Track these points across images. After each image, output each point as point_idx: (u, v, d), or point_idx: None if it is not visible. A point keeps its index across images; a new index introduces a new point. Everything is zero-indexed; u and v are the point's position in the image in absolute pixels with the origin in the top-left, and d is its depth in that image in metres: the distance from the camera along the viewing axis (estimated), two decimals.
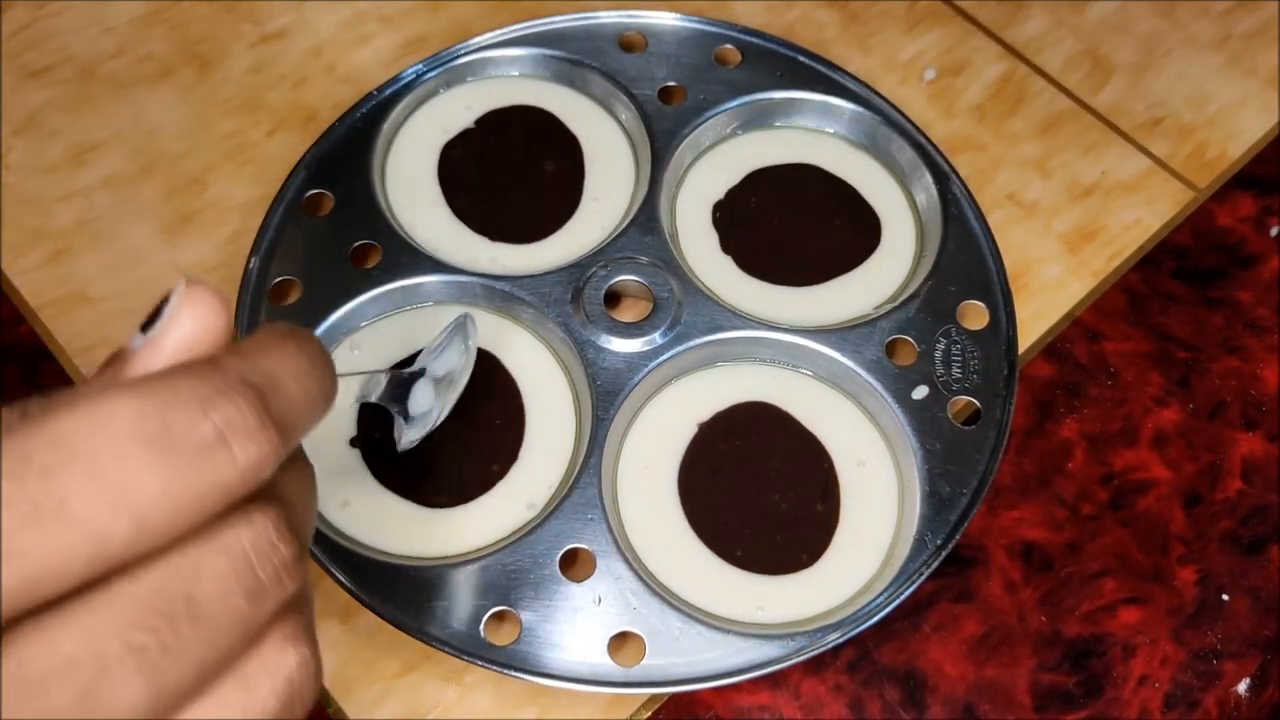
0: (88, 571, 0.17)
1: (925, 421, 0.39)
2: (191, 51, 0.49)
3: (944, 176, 0.44)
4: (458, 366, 0.36)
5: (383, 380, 0.34)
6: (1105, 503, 0.41)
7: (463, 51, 0.46)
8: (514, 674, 0.35)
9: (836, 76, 0.46)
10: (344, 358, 0.41)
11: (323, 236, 0.42)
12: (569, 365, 0.41)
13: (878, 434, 0.40)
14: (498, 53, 0.47)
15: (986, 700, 0.37)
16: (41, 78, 0.48)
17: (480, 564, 0.36)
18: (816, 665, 0.38)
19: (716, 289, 0.42)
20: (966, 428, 0.39)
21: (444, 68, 0.46)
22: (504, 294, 0.41)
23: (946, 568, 0.38)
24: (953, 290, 0.42)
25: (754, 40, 0.47)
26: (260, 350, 0.20)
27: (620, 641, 0.36)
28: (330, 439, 0.39)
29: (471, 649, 0.35)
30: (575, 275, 0.41)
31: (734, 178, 0.45)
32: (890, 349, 0.41)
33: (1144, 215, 0.47)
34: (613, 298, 0.42)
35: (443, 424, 0.36)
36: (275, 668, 0.20)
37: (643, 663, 0.35)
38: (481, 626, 0.35)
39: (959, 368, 0.40)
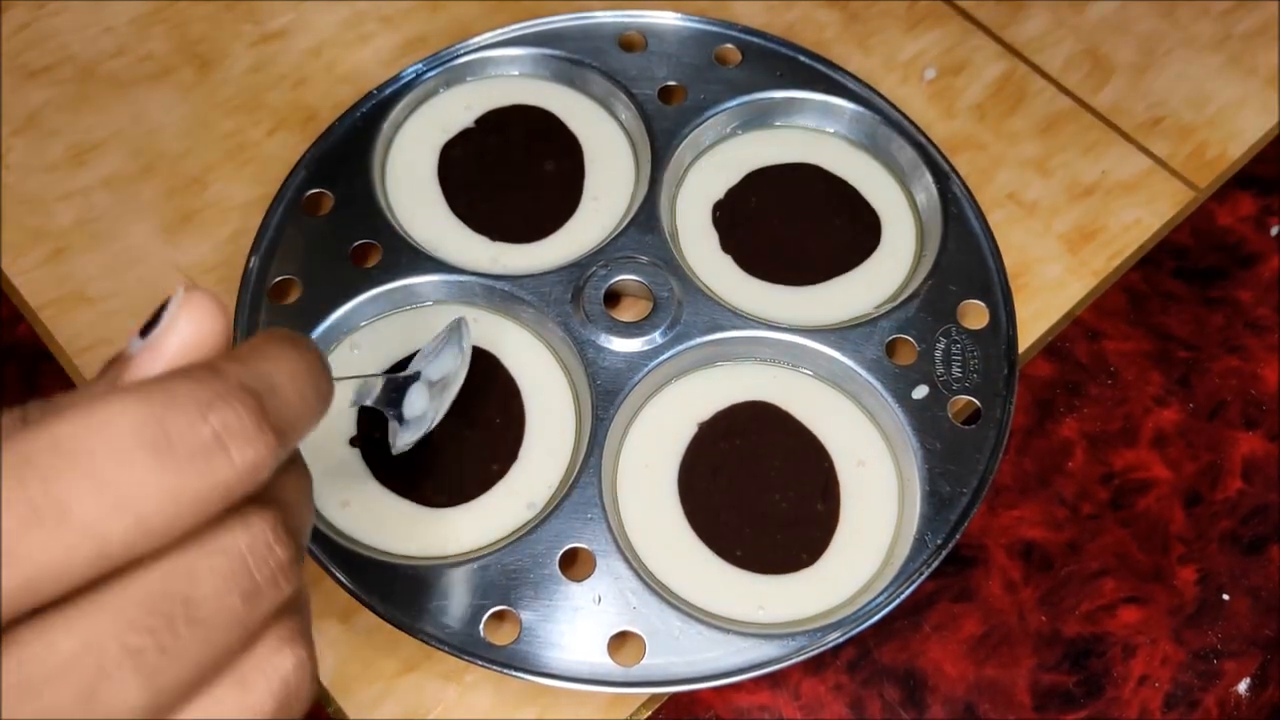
0: (87, 573, 0.17)
1: (925, 421, 0.39)
2: (191, 51, 0.49)
3: (944, 176, 0.44)
4: (452, 370, 0.36)
5: (378, 384, 0.34)
6: (1105, 502, 0.41)
7: (463, 51, 0.46)
8: (514, 674, 0.35)
9: (837, 76, 0.46)
10: (344, 357, 0.41)
11: (323, 236, 0.42)
12: (569, 365, 0.41)
13: (878, 433, 0.40)
14: (498, 52, 0.47)
15: (987, 700, 0.37)
16: (41, 77, 0.48)
17: (480, 564, 0.36)
18: (816, 665, 0.38)
19: (716, 288, 0.42)
20: (966, 427, 0.39)
21: (444, 67, 0.46)
22: (504, 293, 0.41)
23: (946, 567, 0.38)
24: (953, 290, 0.42)
25: (754, 40, 0.47)
26: (258, 355, 0.20)
27: (620, 641, 0.36)
28: (330, 439, 0.39)
29: (471, 649, 0.35)
30: (575, 275, 0.41)
31: (734, 177, 0.45)
32: (890, 348, 0.41)
33: (1144, 215, 0.47)
34: (613, 297, 0.42)
35: (442, 424, 0.36)
36: (271, 669, 0.20)
37: (643, 662, 0.35)
38: (481, 626, 0.35)
39: (959, 367, 0.40)
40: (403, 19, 0.51)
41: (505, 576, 0.36)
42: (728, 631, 0.35)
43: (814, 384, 0.41)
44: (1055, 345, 0.44)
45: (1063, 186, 0.47)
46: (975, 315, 0.42)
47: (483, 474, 0.39)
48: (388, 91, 0.45)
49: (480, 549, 0.37)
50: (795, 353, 0.41)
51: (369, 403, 0.35)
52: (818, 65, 0.47)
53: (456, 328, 0.37)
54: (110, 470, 0.17)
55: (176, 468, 0.18)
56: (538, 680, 0.35)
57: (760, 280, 0.43)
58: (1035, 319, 0.44)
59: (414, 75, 0.46)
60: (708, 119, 0.45)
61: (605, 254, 0.42)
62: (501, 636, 0.35)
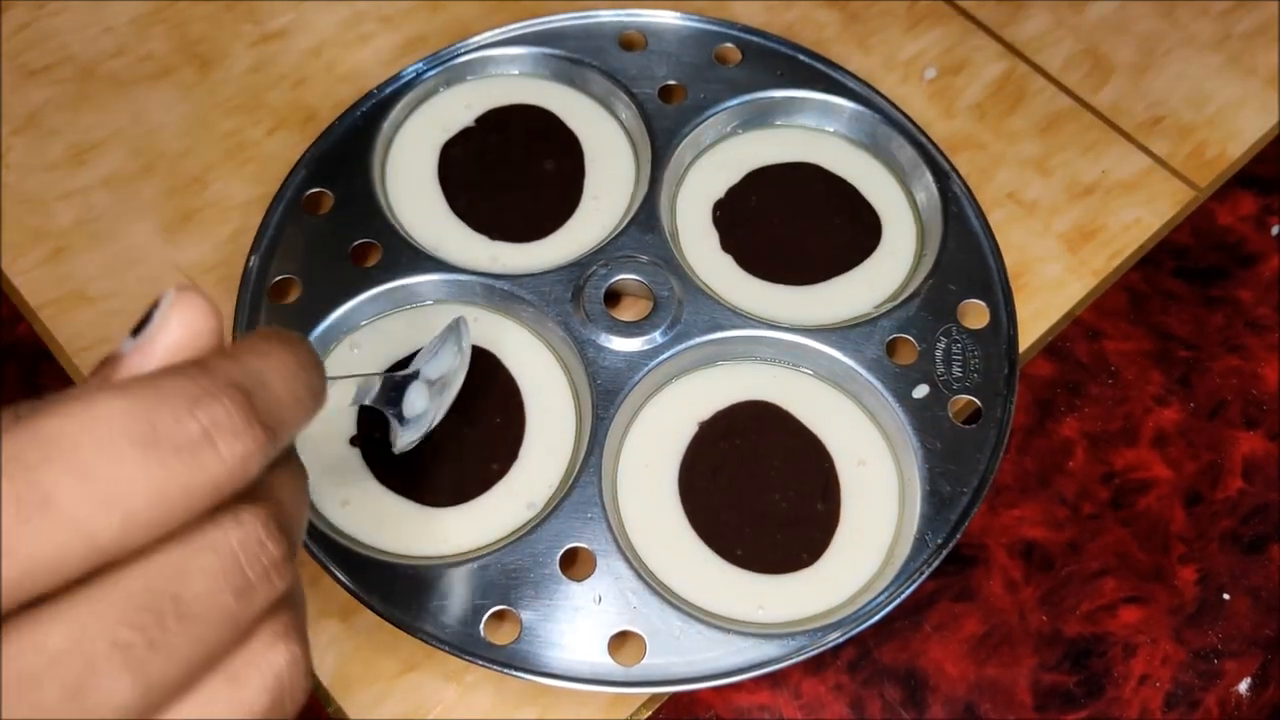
0: (76, 568, 0.17)
1: (926, 420, 0.39)
2: (191, 51, 0.49)
3: (944, 175, 0.44)
4: (452, 369, 0.36)
5: (377, 383, 0.34)
6: (1106, 502, 0.41)
7: (463, 50, 0.46)
8: (514, 673, 0.35)
9: (837, 75, 0.46)
10: (344, 357, 0.41)
11: (323, 235, 0.42)
12: (569, 364, 0.41)
13: (878, 433, 0.40)
14: (498, 51, 0.47)
15: (987, 700, 0.37)
16: (41, 77, 0.48)
17: (480, 563, 0.36)
18: (817, 665, 0.38)
19: (717, 288, 0.42)
20: (967, 427, 0.39)
21: (444, 66, 0.46)
22: (504, 293, 0.41)
23: (947, 567, 0.38)
24: (953, 289, 0.42)
25: (754, 39, 0.47)
26: (248, 352, 0.21)
27: (620, 641, 0.36)
28: (330, 438, 0.39)
29: (471, 648, 0.35)
30: (575, 274, 0.41)
31: (734, 176, 0.45)
32: (891, 348, 0.41)
33: (1144, 214, 0.47)
34: (613, 296, 0.42)
35: (442, 423, 0.36)
36: (265, 665, 0.20)
37: (643, 662, 0.35)
38: (481, 626, 0.35)
39: (959, 367, 0.40)
40: (403, 19, 0.50)
41: (505, 576, 0.36)
42: (728, 631, 0.35)
43: (814, 383, 0.41)
44: (1055, 345, 0.44)
45: (1063, 186, 0.47)
46: (976, 315, 0.42)
47: (483, 473, 0.39)
48: (388, 91, 0.45)
49: (480, 548, 0.37)
50: (796, 352, 0.41)
51: (368, 402, 0.35)
52: (818, 64, 0.47)
53: (455, 327, 0.37)
54: (98, 465, 0.17)
55: (164, 463, 0.18)
56: (538, 680, 0.35)
57: (760, 280, 0.43)
58: (1035, 318, 0.44)
59: (414, 75, 0.46)
60: (708, 118, 0.45)
61: (605, 253, 0.42)
62: (502, 636, 0.35)
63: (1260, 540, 0.40)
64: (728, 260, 0.43)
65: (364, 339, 0.41)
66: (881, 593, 0.36)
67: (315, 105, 0.48)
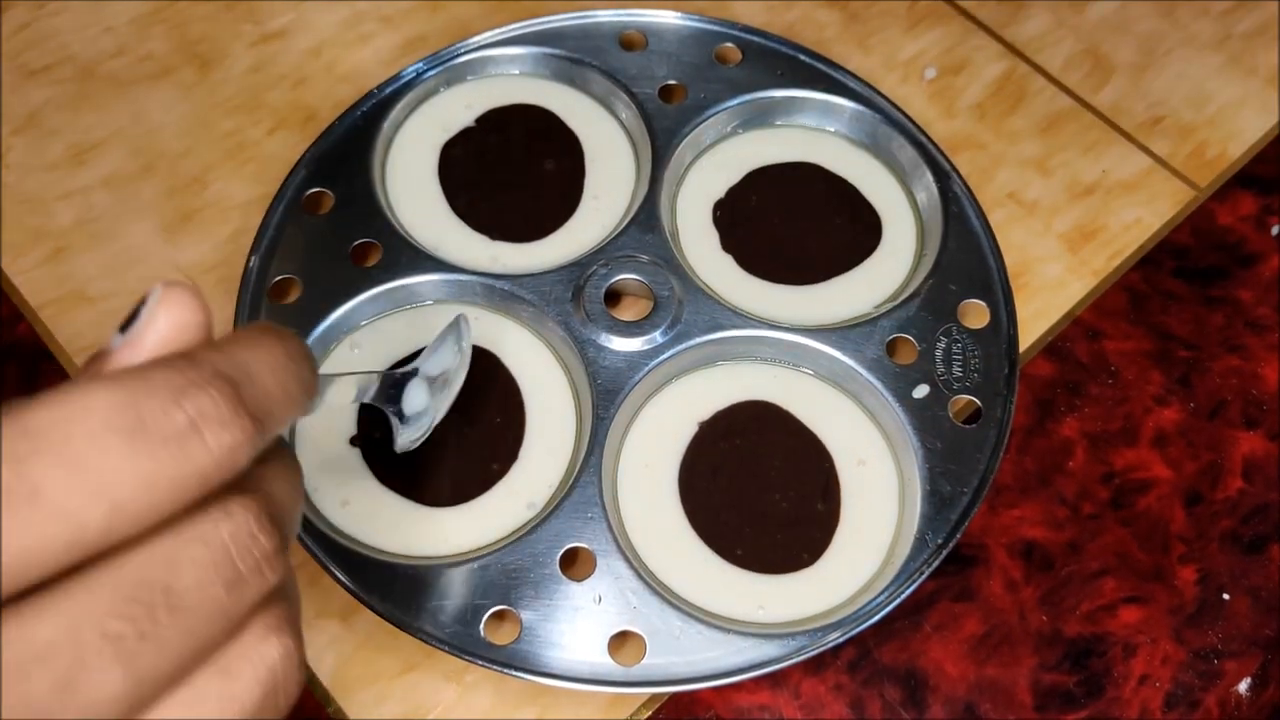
0: (64, 560, 0.18)
1: (926, 420, 0.39)
2: (191, 51, 0.49)
3: (944, 175, 0.44)
4: (452, 366, 0.36)
5: (376, 380, 0.34)
6: (1106, 502, 0.41)
7: (463, 50, 0.46)
8: (514, 673, 0.35)
9: (837, 75, 0.46)
10: (344, 356, 0.41)
11: (323, 235, 0.42)
12: (569, 364, 0.41)
13: (878, 433, 0.40)
14: (498, 51, 0.47)
15: (987, 700, 0.37)
16: (41, 77, 0.48)
17: (480, 563, 0.36)
18: (817, 665, 0.38)
19: (717, 288, 0.42)
20: (967, 426, 0.39)
21: (444, 66, 0.46)
22: (504, 293, 0.41)
23: (947, 567, 0.38)
24: (953, 289, 0.42)
25: (754, 39, 0.47)
26: (236, 344, 0.21)
27: (620, 641, 0.36)
28: (330, 438, 0.39)
29: (471, 648, 0.35)
30: (575, 274, 0.41)
31: (734, 176, 0.45)
32: (891, 348, 0.41)
33: (1144, 214, 0.47)
34: (613, 296, 0.42)
35: (443, 423, 0.36)
36: (257, 658, 0.20)
37: (643, 662, 0.35)
38: (481, 626, 0.35)
39: (960, 366, 0.40)
40: (403, 19, 0.50)
41: (505, 576, 0.36)
42: (728, 631, 0.35)
43: (814, 383, 0.41)
44: (1056, 345, 0.44)
45: (1063, 186, 0.47)
46: (976, 314, 0.42)
47: (483, 473, 0.39)
48: (388, 91, 0.45)
49: (480, 548, 0.37)
50: (796, 352, 0.41)
51: (367, 399, 0.35)
52: (818, 64, 0.47)
53: (455, 324, 0.37)
54: (85, 455, 0.17)
55: (151, 452, 0.18)
56: (538, 680, 0.35)
57: (761, 279, 0.43)
58: (1035, 318, 0.44)
59: (414, 75, 0.46)
60: (708, 118, 0.45)
61: (605, 253, 0.42)
62: (502, 636, 0.35)
63: (1260, 540, 0.40)
64: (728, 260, 0.43)
65: (364, 339, 0.41)
66: (881, 593, 0.36)
67: (315, 105, 0.48)
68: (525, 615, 0.35)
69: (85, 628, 0.17)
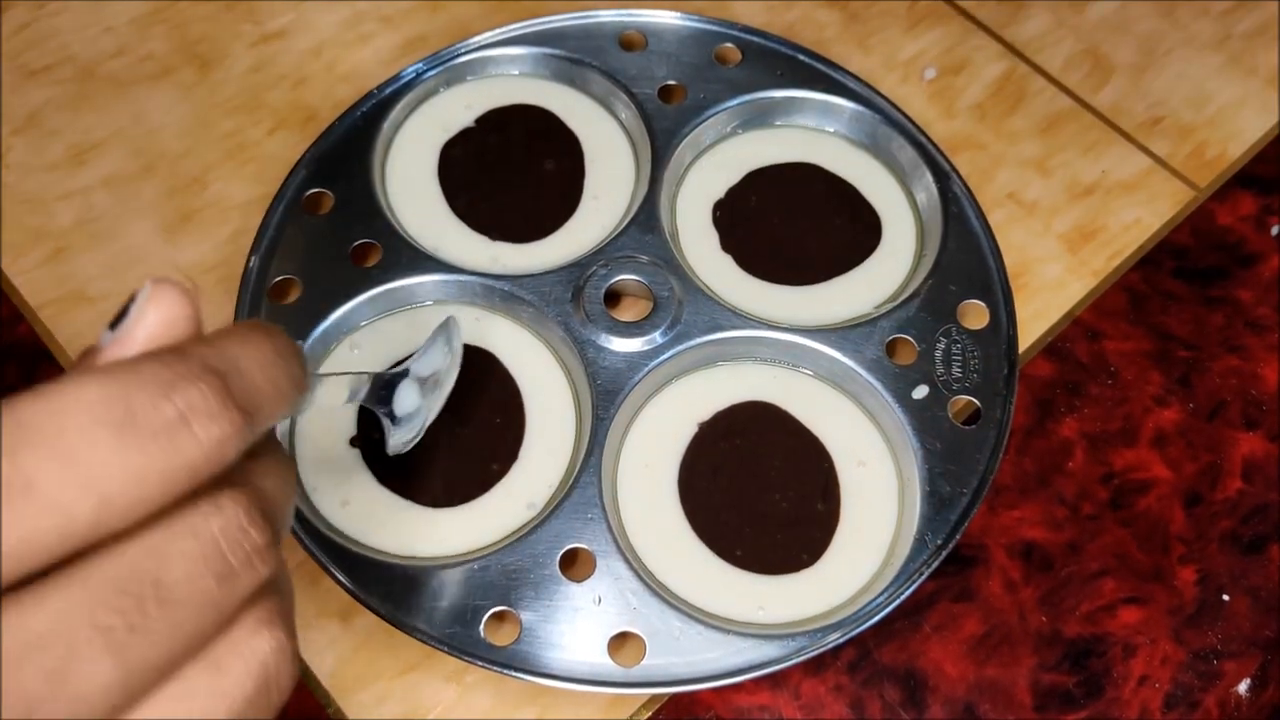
0: (54, 551, 0.18)
1: (925, 421, 0.39)
2: (191, 51, 0.49)
3: (944, 175, 0.44)
4: (442, 367, 0.36)
5: (368, 381, 0.34)
6: (1105, 502, 0.41)
7: (463, 50, 0.46)
8: (514, 674, 0.35)
9: (837, 75, 0.46)
10: (343, 357, 0.41)
11: (323, 235, 0.42)
12: (569, 364, 0.41)
13: (878, 433, 0.40)
14: (498, 51, 0.47)
15: (987, 700, 0.37)
16: (41, 77, 0.48)
17: (480, 564, 0.36)
18: (817, 665, 0.38)
19: (717, 288, 0.42)
20: (967, 427, 0.39)
21: (444, 67, 0.46)
22: (504, 293, 0.41)
23: (947, 567, 0.38)
24: (953, 289, 0.42)
25: (754, 39, 0.47)
26: (225, 339, 0.21)
27: (620, 641, 0.36)
28: (330, 439, 0.39)
29: (471, 649, 0.35)
30: (575, 274, 0.41)
31: (734, 177, 0.45)
32: (890, 348, 0.41)
33: (1144, 215, 0.47)
34: (613, 297, 0.42)
35: (443, 424, 0.36)
36: (249, 652, 0.20)
37: (643, 663, 0.35)
38: (481, 626, 0.35)
39: (959, 367, 0.40)
40: (403, 19, 0.50)
41: (505, 577, 0.36)
42: (728, 632, 0.35)
43: (814, 384, 0.41)
44: (1055, 345, 0.44)
45: (1063, 186, 0.47)
46: (975, 315, 0.42)
47: (483, 474, 0.39)
48: (388, 91, 0.45)
49: (480, 549, 0.37)
50: (795, 353, 0.41)
51: (359, 400, 0.35)
52: (818, 65, 0.47)
53: (445, 325, 0.37)
54: (74, 447, 0.18)
55: (140, 445, 0.18)
56: (538, 681, 0.35)
57: (760, 280, 0.43)
58: (1035, 319, 0.44)
59: (414, 75, 0.46)
60: (708, 118, 0.45)
61: (605, 253, 0.42)
62: (501, 637, 0.35)
63: (1260, 541, 0.40)
64: (728, 260, 0.43)
65: (364, 339, 0.41)
66: (881, 593, 0.36)
67: (315, 105, 0.48)
68: (525, 616, 0.35)
69: (76, 619, 0.17)
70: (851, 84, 0.46)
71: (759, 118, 0.46)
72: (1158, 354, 0.44)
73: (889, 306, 0.41)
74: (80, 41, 0.49)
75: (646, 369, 0.40)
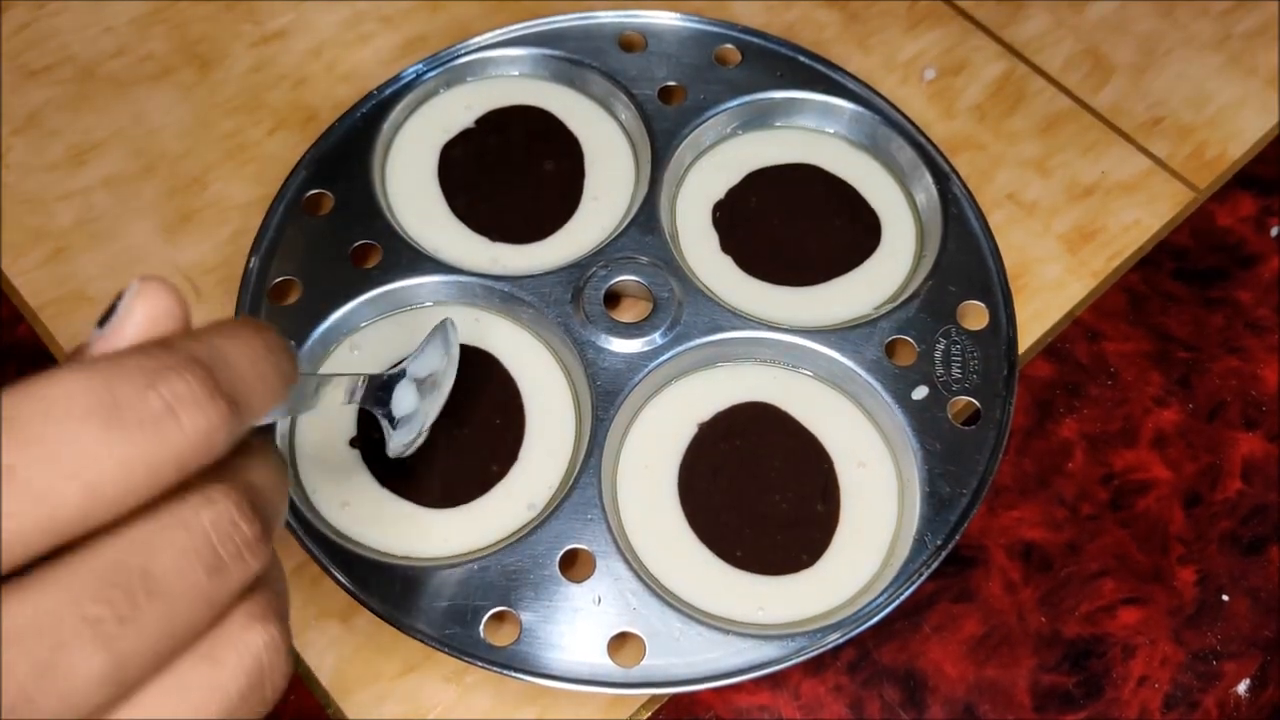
0: (41, 543, 0.18)
1: (925, 422, 0.39)
2: (191, 51, 0.49)
3: (944, 176, 0.44)
4: (439, 369, 0.36)
5: (364, 382, 0.34)
6: (1105, 503, 0.41)
7: (463, 51, 0.46)
8: (514, 674, 0.35)
9: (836, 76, 0.46)
10: (343, 358, 0.41)
11: (323, 236, 0.42)
12: (569, 365, 0.41)
13: (878, 434, 0.40)
14: (498, 52, 0.47)
15: (986, 700, 0.37)
16: (41, 77, 0.48)
17: (480, 564, 0.36)
18: (816, 665, 0.38)
19: (716, 289, 0.42)
20: (966, 428, 0.39)
21: (444, 67, 0.46)
22: (504, 294, 0.41)
23: (946, 568, 0.38)
24: (953, 290, 0.42)
25: (754, 40, 0.47)
26: (212, 332, 0.21)
27: (620, 642, 0.36)
28: (330, 439, 0.39)
29: (471, 649, 0.35)
30: (575, 275, 0.41)
31: (734, 177, 0.45)
32: (890, 349, 0.41)
33: (1144, 215, 0.47)
34: (613, 298, 0.42)
35: (443, 425, 0.36)
36: (243, 645, 0.20)
37: (643, 663, 0.35)
38: (481, 627, 0.35)
39: (959, 368, 0.40)
40: (403, 19, 0.50)
41: (505, 577, 0.36)
42: (728, 632, 0.35)
43: (814, 385, 0.41)
44: (1055, 346, 0.44)
45: (1062, 187, 0.47)
46: (975, 316, 0.42)
47: (482, 475, 0.39)
48: (388, 91, 0.45)
49: (480, 550, 0.37)
50: (795, 353, 0.41)
51: (355, 401, 0.35)
52: (818, 65, 0.47)
53: (441, 327, 0.37)
54: (59, 438, 0.18)
55: (126, 435, 0.18)
56: (538, 681, 0.35)
57: (760, 281, 0.43)
58: (1035, 319, 0.44)
59: (414, 75, 0.46)
60: (708, 119, 0.45)
61: (605, 254, 0.42)
62: (501, 637, 0.35)
63: (1259, 541, 0.40)
64: (727, 261, 0.43)
65: (364, 340, 0.41)
66: (881, 594, 0.36)
67: (315, 106, 0.48)
68: (525, 616, 0.35)
69: (64, 611, 0.17)
70: (851, 85, 0.46)
71: (759, 119, 0.46)
72: (1157, 355, 0.44)
73: (889, 307, 0.41)
74: (80, 41, 0.49)
75: (646, 370, 0.40)
